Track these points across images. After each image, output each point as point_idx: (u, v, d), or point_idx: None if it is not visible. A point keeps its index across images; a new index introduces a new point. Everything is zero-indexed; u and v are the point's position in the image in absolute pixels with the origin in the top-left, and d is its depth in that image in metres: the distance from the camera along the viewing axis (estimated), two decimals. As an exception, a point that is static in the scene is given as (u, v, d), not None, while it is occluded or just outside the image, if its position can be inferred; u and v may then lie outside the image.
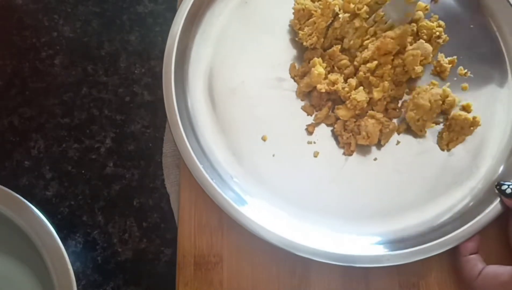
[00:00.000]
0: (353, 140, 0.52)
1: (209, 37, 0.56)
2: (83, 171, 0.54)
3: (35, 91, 0.56)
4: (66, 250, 0.42)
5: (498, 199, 0.48)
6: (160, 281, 0.50)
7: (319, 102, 0.53)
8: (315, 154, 0.52)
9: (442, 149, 0.53)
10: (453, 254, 0.48)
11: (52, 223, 0.43)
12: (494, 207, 0.48)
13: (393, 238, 0.49)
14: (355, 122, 0.52)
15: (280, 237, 0.46)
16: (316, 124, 0.53)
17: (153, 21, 0.60)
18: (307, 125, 0.53)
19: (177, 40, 0.52)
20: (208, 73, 0.55)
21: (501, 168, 0.52)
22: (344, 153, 0.52)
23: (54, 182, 0.53)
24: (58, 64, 0.58)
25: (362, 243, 0.48)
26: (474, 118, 0.52)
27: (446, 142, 0.52)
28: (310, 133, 0.53)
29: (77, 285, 0.41)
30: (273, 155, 0.52)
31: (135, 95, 0.57)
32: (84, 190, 0.53)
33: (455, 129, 0.52)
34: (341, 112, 0.52)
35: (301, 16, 0.55)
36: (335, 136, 0.53)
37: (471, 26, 0.58)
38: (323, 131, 0.53)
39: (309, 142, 0.53)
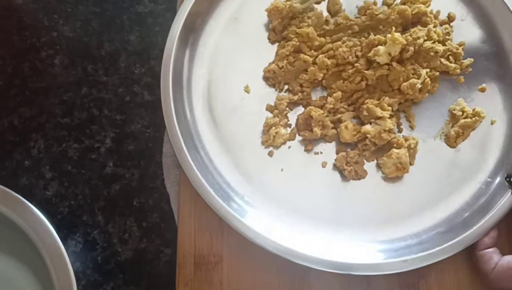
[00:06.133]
0: (360, 168, 0.51)
1: (204, 58, 0.55)
2: (83, 171, 0.54)
3: (35, 91, 0.56)
4: (66, 250, 0.42)
5: (510, 192, 0.48)
6: (160, 281, 0.50)
7: (306, 128, 0.53)
8: (323, 164, 0.52)
9: (452, 147, 0.53)
10: (462, 252, 0.48)
11: (52, 223, 0.43)
12: (507, 200, 0.48)
13: (404, 244, 0.48)
14: (358, 155, 0.52)
15: (280, 245, 0.46)
16: (312, 141, 0.53)
17: (153, 21, 0.60)
18: (305, 149, 0.53)
19: (172, 61, 0.52)
20: (207, 94, 0.54)
21: (509, 159, 0.52)
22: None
23: (54, 182, 0.53)
24: (58, 64, 0.58)
25: (369, 250, 0.48)
26: (476, 112, 0.52)
27: (454, 139, 0.52)
28: (309, 151, 0.53)
29: (77, 285, 0.41)
30: (282, 170, 0.52)
31: (135, 95, 0.57)
32: (84, 190, 0.53)
33: (460, 125, 0.52)
34: (344, 134, 0.52)
35: (273, 15, 0.55)
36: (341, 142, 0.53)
37: (462, 19, 0.58)
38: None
39: (316, 153, 0.52)
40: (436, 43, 0.54)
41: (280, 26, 0.55)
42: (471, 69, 0.55)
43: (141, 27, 0.59)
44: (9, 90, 0.56)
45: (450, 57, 0.54)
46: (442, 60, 0.54)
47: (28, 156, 0.54)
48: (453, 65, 0.54)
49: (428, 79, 0.53)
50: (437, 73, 0.54)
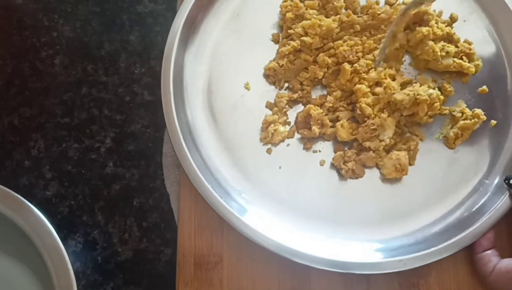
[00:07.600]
0: (357, 167, 0.51)
1: (204, 55, 0.55)
2: (83, 171, 0.54)
3: (35, 91, 0.56)
4: (66, 250, 0.42)
5: (508, 194, 0.48)
6: (160, 281, 0.50)
7: (305, 126, 0.53)
8: (321, 163, 0.52)
9: (451, 148, 0.52)
10: (462, 252, 0.48)
11: (52, 223, 0.43)
12: (504, 202, 0.48)
13: (401, 244, 0.48)
14: (356, 154, 0.51)
15: (280, 244, 0.46)
16: (311, 139, 0.53)
17: (153, 21, 0.60)
18: (304, 147, 0.53)
19: (173, 59, 0.52)
20: (207, 91, 0.54)
21: (507, 161, 0.52)
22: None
23: (54, 182, 0.53)
24: (58, 64, 0.58)
25: (366, 249, 0.48)
26: (476, 113, 0.52)
27: (453, 140, 0.52)
28: (307, 149, 0.52)
29: (77, 285, 0.41)
30: (280, 167, 0.52)
31: (135, 95, 0.57)
32: (84, 190, 0.53)
33: (459, 126, 0.52)
34: (341, 133, 0.51)
35: (289, 9, 0.55)
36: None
37: (464, 20, 0.57)
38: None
39: (315, 151, 0.52)
40: (446, 43, 0.54)
41: (291, 22, 0.55)
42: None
43: (141, 27, 0.59)
44: (9, 90, 0.56)
45: (464, 57, 0.54)
46: (455, 59, 0.54)
47: (28, 156, 0.54)
48: (467, 64, 0.54)
49: (439, 103, 0.52)
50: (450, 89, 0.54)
